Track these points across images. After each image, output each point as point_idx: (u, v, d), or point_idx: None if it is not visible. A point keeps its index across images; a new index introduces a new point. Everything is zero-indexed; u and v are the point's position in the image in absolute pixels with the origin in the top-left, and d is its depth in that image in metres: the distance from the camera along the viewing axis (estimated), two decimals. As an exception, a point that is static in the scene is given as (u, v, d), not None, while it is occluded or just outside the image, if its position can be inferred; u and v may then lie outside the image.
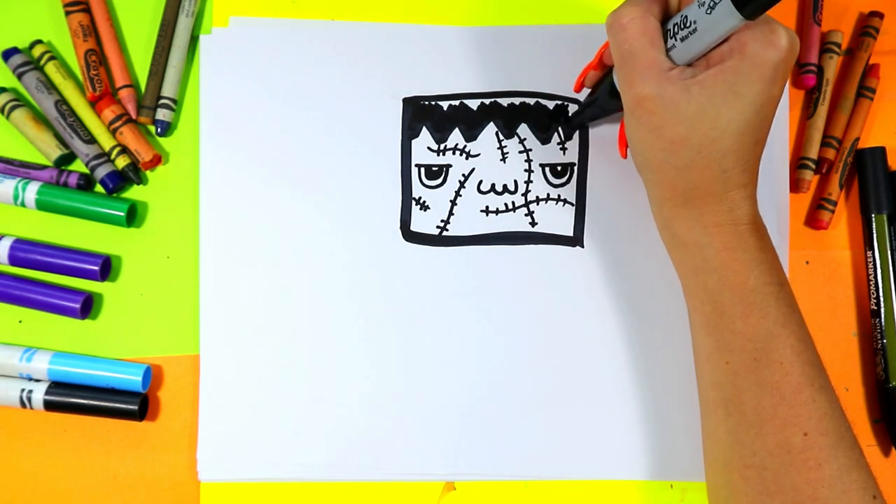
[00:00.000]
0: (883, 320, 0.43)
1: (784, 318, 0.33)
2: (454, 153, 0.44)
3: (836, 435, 0.32)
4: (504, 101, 0.44)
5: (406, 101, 0.45)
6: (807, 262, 0.44)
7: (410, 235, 0.43)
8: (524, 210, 0.44)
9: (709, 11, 0.31)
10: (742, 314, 0.34)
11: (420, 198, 0.44)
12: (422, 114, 0.44)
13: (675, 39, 0.33)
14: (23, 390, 0.41)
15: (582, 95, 0.44)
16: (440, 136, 0.44)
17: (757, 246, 0.34)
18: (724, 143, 0.32)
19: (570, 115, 0.44)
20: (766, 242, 0.35)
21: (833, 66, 0.45)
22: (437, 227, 0.44)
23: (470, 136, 0.44)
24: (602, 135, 0.44)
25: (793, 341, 0.33)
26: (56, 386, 0.41)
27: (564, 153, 0.44)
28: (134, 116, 0.44)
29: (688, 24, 0.32)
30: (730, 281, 0.34)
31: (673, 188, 0.34)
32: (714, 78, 0.32)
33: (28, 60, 0.44)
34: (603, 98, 0.40)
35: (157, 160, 0.44)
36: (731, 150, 0.33)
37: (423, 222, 0.44)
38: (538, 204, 0.44)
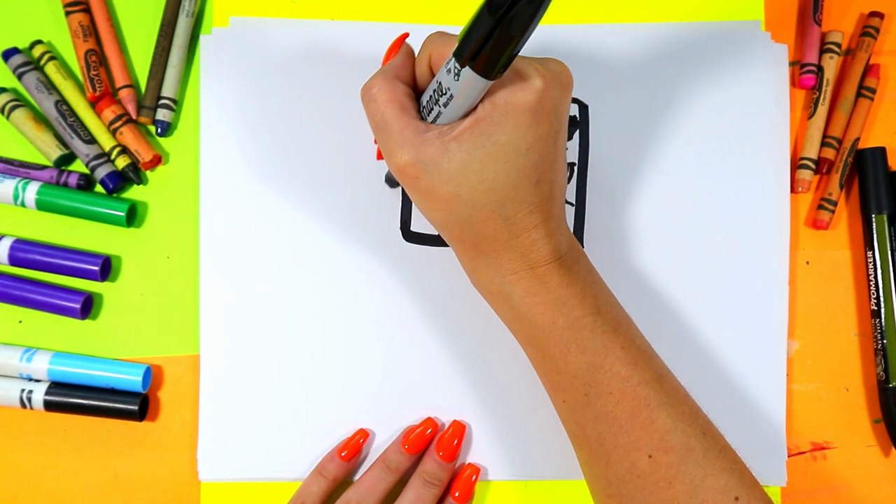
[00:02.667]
0: (883, 320, 0.43)
1: (604, 346, 0.33)
2: (454, 153, 0.44)
3: (682, 449, 0.32)
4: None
5: (406, 101, 0.45)
6: (807, 262, 0.44)
7: (410, 235, 0.43)
8: (524, 210, 0.44)
9: (456, 78, 0.30)
10: (561, 354, 0.34)
11: (420, 198, 0.44)
12: (422, 114, 0.44)
13: (439, 106, 0.32)
14: (23, 390, 0.41)
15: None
16: (440, 136, 0.44)
17: (561, 282, 0.33)
18: (498, 194, 0.32)
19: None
20: (575, 274, 0.34)
21: (833, 66, 0.45)
22: (437, 227, 0.44)
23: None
24: (602, 135, 0.44)
25: (618, 367, 0.33)
26: (56, 386, 0.41)
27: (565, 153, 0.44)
28: (134, 116, 0.44)
29: (443, 91, 0.31)
30: (540, 325, 0.34)
31: (463, 242, 0.34)
32: (470, 131, 0.31)
33: (28, 60, 0.44)
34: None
35: (157, 160, 0.44)
36: (509, 198, 0.32)
37: (423, 222, 0.43)
38: (538, 204, 0.44)
